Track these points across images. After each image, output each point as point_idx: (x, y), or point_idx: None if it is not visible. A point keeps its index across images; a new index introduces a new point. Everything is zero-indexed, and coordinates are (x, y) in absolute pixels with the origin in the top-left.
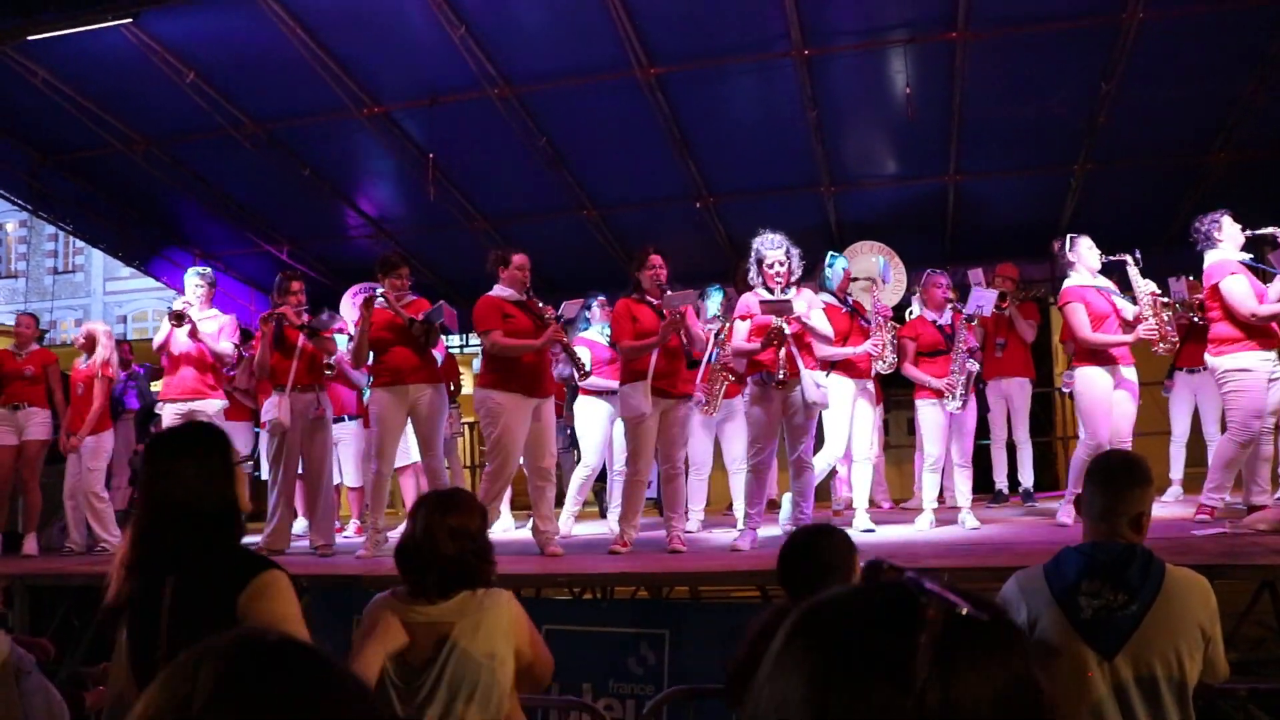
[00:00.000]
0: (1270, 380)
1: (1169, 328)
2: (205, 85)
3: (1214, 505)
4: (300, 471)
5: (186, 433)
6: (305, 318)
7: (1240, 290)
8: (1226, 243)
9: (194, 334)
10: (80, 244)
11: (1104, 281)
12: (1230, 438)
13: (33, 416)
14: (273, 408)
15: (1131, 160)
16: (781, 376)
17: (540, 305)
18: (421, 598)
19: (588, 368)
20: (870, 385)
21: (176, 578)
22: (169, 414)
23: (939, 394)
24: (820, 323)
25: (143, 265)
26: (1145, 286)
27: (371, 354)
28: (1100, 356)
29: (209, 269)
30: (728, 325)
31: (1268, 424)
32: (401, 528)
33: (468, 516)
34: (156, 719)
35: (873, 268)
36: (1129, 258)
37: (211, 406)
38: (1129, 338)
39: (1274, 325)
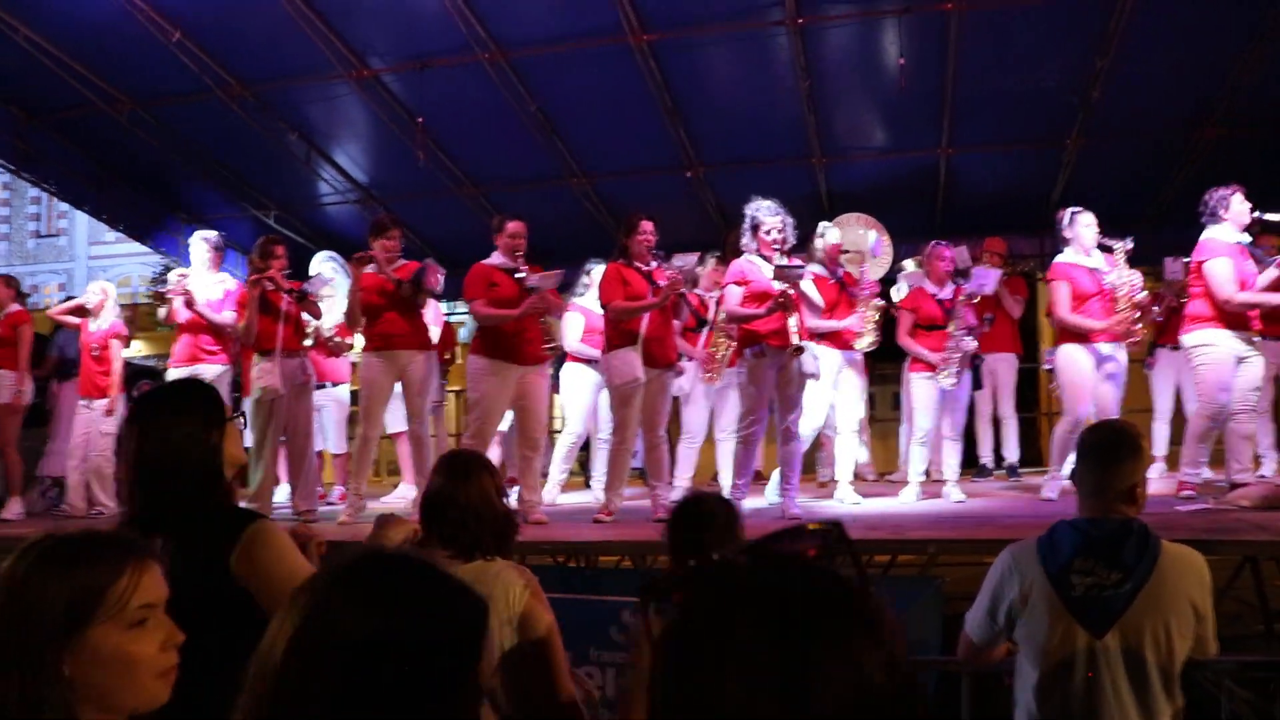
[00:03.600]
0: (1241, 359)
1: (1138, 324)
2: (191, 44)
3: (1193, 480)
4: (283, 437)
5: (171, 390)
6: (292, 283)
7: (1223, 274)
8: (1229, 221)
9: (190, 304)
10: (64, 207)
11: (1098, 261)
12: (1199, 411)
13: (3, 380)
14: (263, 373)
15: (1125, 135)
16: (797, 343)
17: (522, 275)
18: (446, 554)
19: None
20: (858, 357)
21: (168, 539)
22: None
23: (933, 368)
24: (812, 292)
25: (126, 229)
26: (1127, 276)
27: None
28: (1080, 334)
29: (215, 232)
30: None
31: (1249, 401)
32: (389, 494)
33: (498, 480)
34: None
35: (862, 240)
36: (1121, 245)
37: (211, 371)
38: (1100, 325)
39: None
